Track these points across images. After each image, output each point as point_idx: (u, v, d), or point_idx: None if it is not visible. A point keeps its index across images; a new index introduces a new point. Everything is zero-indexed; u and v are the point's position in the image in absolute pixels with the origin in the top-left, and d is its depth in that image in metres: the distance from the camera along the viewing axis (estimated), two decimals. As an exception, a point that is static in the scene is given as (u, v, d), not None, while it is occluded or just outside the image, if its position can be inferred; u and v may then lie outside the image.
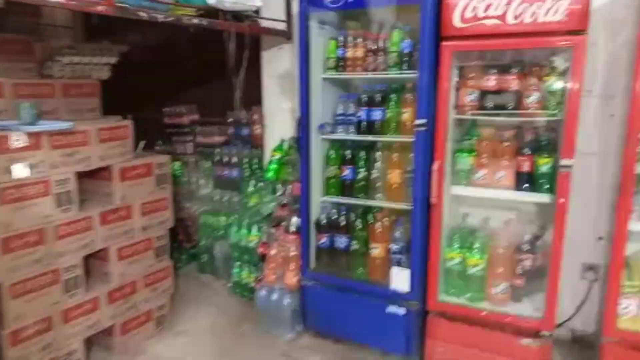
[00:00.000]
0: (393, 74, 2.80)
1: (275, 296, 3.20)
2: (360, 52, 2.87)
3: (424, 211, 2.74)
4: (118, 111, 3.28)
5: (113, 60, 3.13)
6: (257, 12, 3.40)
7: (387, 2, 2.66)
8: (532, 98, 2.53)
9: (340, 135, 3.07)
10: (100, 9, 2.33)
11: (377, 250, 2.97)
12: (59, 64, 2.89)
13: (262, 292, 3.25)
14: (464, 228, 2.93)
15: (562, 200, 2.43)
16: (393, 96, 2.89)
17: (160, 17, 2.62)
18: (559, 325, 3.02)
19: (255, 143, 4.15)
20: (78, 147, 2.66)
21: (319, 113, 3.07)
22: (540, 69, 2.53)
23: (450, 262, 2.80)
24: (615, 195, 2.47)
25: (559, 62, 2.51)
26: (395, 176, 2.93)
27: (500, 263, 2.71)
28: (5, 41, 2.82)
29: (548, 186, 2.56)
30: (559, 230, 2.47)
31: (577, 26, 2.25)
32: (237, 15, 3.13)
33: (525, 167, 2.62)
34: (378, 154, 3.00)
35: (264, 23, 3.49)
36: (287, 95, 3.80)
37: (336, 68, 2.97)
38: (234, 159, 4.13)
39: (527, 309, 2.69)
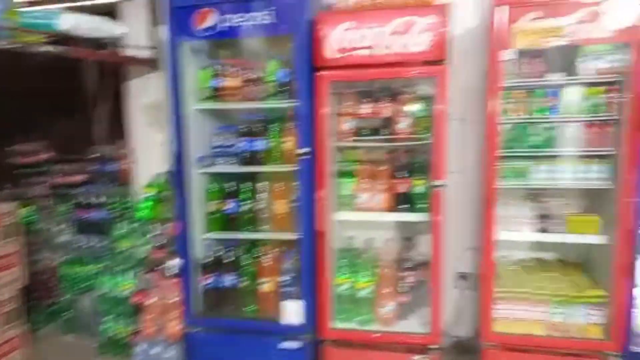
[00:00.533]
0: (272, 104, 2.77)
1: (156, 350, 2.89)
2: (237, 82, 2.80)
3: (312, 240, 2.71)
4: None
5: None
6: (121, 39, 3.14)
7: (260, 33, 2.62)
8: (403, 124, 2.69)
9: (220, 167, 2.93)
10: None
11: (267, 285, 2.85)
12: None
13: (141, 347, 2.91)
14: (351, 251, 2.97)
15: (437, 218, 2.59)
16: (274, 125, 2.85)
17: (2, 44, 2.26)
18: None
19: (123, 180, 3.77)
20: None
21: (196, 145, 2.90)
22: (409, 96, 2.71)
23: (340, 287, 2.80)
24: (481, 209, 2.72)
25: (425, 89, 2.71)
26: (281, 206, 2.87)
27: (386, 283, 2.78)
28: None
29: (423, 206, 2.72)
30: (437, 246, 2.63)
31: (438, 56, 2.47)
32: (98, 43, 2.84)
33: (402, 188, 2.76)
34: (262, 184, 2.92)
35: (129, 51, 3.22)
36: (158, 127, 3.54)
37: (211, 98, 2.84)
38: (100, 199, 3.70)
39: (415, 325, 2.80)
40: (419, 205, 2.74)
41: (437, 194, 2.57)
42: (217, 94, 2.83)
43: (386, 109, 2.70)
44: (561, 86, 2.55)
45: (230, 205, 2.94)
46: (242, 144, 2.88)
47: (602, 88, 2.48)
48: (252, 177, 2.96)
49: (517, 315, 2.66)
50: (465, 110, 3.10)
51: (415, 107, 2.69)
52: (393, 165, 2.81)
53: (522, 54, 2.56)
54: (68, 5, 2.79)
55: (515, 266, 2.93)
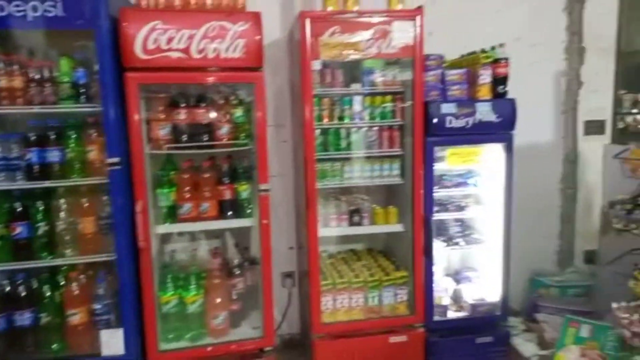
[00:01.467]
0: (67, 108, 2.39)
1: None
2: (18, 82, 2.32)
3: (131, 259, 2.45)
4: None
5: None
6: None
7: (49, 26, 2.23)
8: (224, 130, 2.63)
9: (1, 184, 2.40)
10: None
11: (77, 317, 2.47)
12: None
13: None
14: (175, 265, 2.79)
15: (264, 221, 2.62)
16: (72, 133, 2.47)
17: None
18: (272, 335, 3.27)
19: None
20: None
21: (-36, 159, 2.32)
22: (228, 102, 2.66)
23: (166, 306, 2.61)
24: (300, 209, 2.85)
25: (243, 95, 2.71)
26: (88, 225, 2.50)
27: (216, 293, 2.70)
28: None
29: (249, 211, 2.71)
30: (266, 249, 2.66)
31: (254, 63, 2.48)
32: None
33: (227, 195, 2.70)
34: (61, 201, 2.50)
35: None
36: None
37: (-15, 101, 2.31)
38: None
39: (247, 331, 2.79)
40: (245, 211, 2.72)
41: (263, 198, 2.60)
42: (-7, 96, 2.31)
43: (205, 114, 2.61)
44: (361, 95, 2.84)
45: (19, 230, 2.44)
46: (30, 156, 2.41)
47: (390, 97, 2.86)
48: (47, 194, 2.51)
49: (341, 304, 2.88)
50: (277, 116, 3.22)
51: (235, 114, 2.66)
52: (216, 172, 2.73)
53: (328, 65, 2.77)
54: None
55: (333, 259, 3.18)
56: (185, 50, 2.38)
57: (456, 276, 3.27)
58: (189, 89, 2.65)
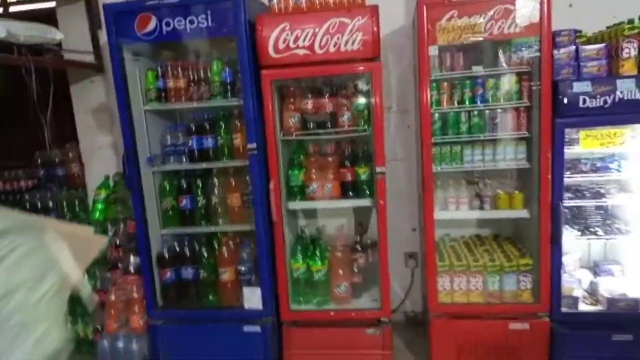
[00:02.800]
0: (218, 103, 2.87)
1: (120, 344, 2.97)
2: (181, 83, 2.88)
3: (267, 230, 2.86)
4: None
5: None
6: (60, 44, 3.13)
7: (203, 35, 2.71)
8: (345, 117, 2.86)
9: (172, 166, 3.02)
10: None
11: (226, 275, 2.99)
12: None
13: (105, 343, 2.98)
14: (304, 238, 3.15)
15: (381, 202, 2.79)
16: (222, 123, 2.96)
17: None
18: (394, 310, 3.44)
19: (73, 183, 3.77)
20: None
21: (146, 146, 2.98)
22: (348, 91, 2.88)
23: (296, 272, 2.98)
24: (421, 192, 2.94)
25: (362, 85, 2.90)
26: (235, 200, 3.00)
27: (339, 265, 2.98)
28: None
29: (368, 192, 2.92)
30: (383, 228, 2.84)
31: (371, 54, 2.64)
32: (37, 49, 2.83)
33: (348, 177, 2.95)
34: (215, 180, 3.03)
35: (69, 55, 3.22)
36: (106, 129, 3.57)
37: (158, 99, 2.91)
38: (50, 203, 3.69)
39: (367, 302, 3.02)
40: (364, 192, 2.93)
41: (379, 180, 2.77)
42: (163, 94, 2.90)
43: (328, 103, 2.86)
44: (484, 77, 2.78)
45: (184, 202, 3.03)
46: (192, 142, 2.97)
47: (515, 78, 2.74)
48: (205, 174, 3.06)
49: (459, 286, 2.92)
50: (401, 102, 3.32)
51: (355, 102, 2.87)
52: (338, 156, 2.99)
53: (447, 49, 2.77)
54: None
55: (455, 242, 3.20)
56: (310, 47, 2.65)
57: (595, 268, 3.02)
58: (315, 81, 2.93)
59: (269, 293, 2.90)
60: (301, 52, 2.65)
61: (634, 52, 2.49)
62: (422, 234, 3.28)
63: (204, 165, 2.98)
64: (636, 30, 2.47)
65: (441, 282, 2.92)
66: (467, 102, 2.82)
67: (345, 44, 2.62)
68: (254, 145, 2.75)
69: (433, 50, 2.67)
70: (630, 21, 2.53)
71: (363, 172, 2.91)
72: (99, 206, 3.50)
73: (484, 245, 3.10)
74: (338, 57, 2.64)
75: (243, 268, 2.94)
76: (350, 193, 2.96)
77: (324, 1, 2.68)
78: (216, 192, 3.03)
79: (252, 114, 2.73)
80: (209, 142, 2.97)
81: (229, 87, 2.85)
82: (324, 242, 3.10)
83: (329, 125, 2.88)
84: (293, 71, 2.71)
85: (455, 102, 2.83)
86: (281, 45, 2.65)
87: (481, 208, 2.94)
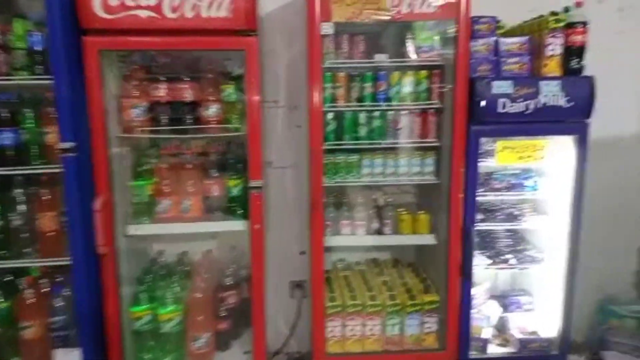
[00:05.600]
0: (22, 81, 1.96)
1: None
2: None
3: (89, 264, 2.01)
4: None
5: None
6: None
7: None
8: (212, 110, 2.13)
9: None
10: None
11: (31, 330, 2.07)
12: None
13: None
14: (155, 272, 2.34)
15: (257, 226, 2.10)
16: (28, 111, 2.04)
17: None
18: (277, 353, 2.79)
19: None
20: None
21: None
22: (217, 75, 2.15)
23: (138, 322, 2.16)
24: (309, 210, 2.31)
25: (235, 68, 2.19)
26: (47, 222, 2.09)
27: (199, 309, 2.23)
28: None
29: (242, 211, 2.21)
30: (258, 258, 2.15)
31: (245, 25, 1.94)
32: None
33: (215, 191, 2.21)
34: (18, 191, 2.10)
35: None
36: None
37: None
38: None
39: (237, 354, 2.30)
40: (236, 211, 2.22)
41: (255, 197, 2.08)
42: None
43: (188, 91, 2.11)
44: (388, 69, 2.23)
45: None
46: (-18, 137, 2.02)
47: (425, 72, 2.23)
48: (4, 183, 2.11)
49: (352, 332, 2.33)
50: (290, 96, 2.67)
51: (225, 91, 2.14)
52: (202, 163, 2.24)
53: (344, 31, 2.18)
54: None
55: (349, 271, 2.62)
56: (156, 9, 1.87)
57: (503, 300, 2.62)
58: (171, 59, 2.16)
59: (94, 355, 2.05)
60: (143, 13, 1.87)
61: (559, 50, 2.09)
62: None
63: (0, 170, 2.04)
64: (562, 24, 2.07)
65: (331, 326, 2.31)
66: (367, 100, 2.24)
67: (208, 8, 1.88)
68: (70, 144, 1.89)
69: (327, 28, 2.05)
70: (554, 13, 2.12)
71: (234, 186, 2.19)
72: None
73: (382, 275, 2.56)
74: (197, 26, 1.90)
75: (56, 321, 2.05)
76: (217, 213, 2.22)
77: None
78: (21, 209, 2.10)
79: (68, 98, 1.88)
80: (9, 137, 2.03)
81: (39, 58, 1.96)
82: (184, 274, 2.33)
83: (190, 121, 2.11)
84: (130, 41, 1.91)
85: (354, 100, 2.25)
86: (113, 1, 1.84)
87: (380, 232, 2.38)
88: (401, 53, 2.25)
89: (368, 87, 2.23)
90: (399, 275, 2.56)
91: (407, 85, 2.25)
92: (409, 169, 2.30)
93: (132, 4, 1.85)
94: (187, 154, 2.25)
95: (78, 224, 1.96)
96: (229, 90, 2.13)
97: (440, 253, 2.32)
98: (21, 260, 2.08)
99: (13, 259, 2.08)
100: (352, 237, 2.35)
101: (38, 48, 1.96)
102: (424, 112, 2.27)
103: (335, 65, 2.19)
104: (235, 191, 2.21)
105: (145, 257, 2.47)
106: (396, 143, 2.28)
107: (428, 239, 2.35)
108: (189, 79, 2.12)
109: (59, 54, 1.83)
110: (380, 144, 2.26)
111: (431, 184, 2.32)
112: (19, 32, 1.97)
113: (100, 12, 1.84)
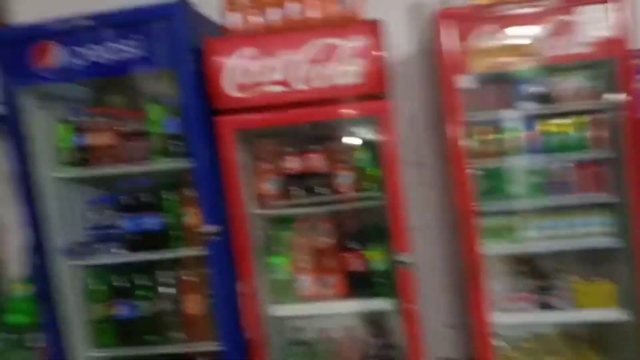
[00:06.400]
0: (162, 165, 2.00)
1: None
2: (106, 138, 2.02)
3: (238, 349, 1.91)
4: None
5: None
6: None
7: (127, 70, 1.84)
8: (344, 178, 1.98)
9: (100, 258, 2.10)
10: None
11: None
12: None
13: None
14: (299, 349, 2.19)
15: (409, 305, 1.85)
16: (168, 194, 2.07)
17: None
18: None
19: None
20: None
21: (61, 227, 2.07)
22: (344, 142, 2.02)
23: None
24: (464, 282, 2.01)
25: (362, 132, 2.04)
26: (194, 305, 2.06)
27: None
28: None
29: (386, 288, 1.97)
30: (414, 340, 1.87)
31: (375, 88, 1.78)
32: None
33: (355, 265, 2.02)
34: (164, 275, 2.11)
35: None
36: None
37: (77, 162, 2.05)
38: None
39: None
40: (381, 287, 1.99)
41: (404, 274, 1.85)
42: (84, 155, 2.04)
43: (319, 160, 2.00)
44: (535, 118, 1.94)
45: (122, 308, 2.11)
46: (127, 223, 2.08)
47: (585, 117, 1.89)
48: (150, 266, 2.14)
49: None
50: (417, 152, 2.44)
51: (357, 156, 2.00)
52: (339, 235, 2.08)
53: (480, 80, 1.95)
54: None
55: (516, 350, 2.21)
56: (286, 82, 1.80)
57: None
58: (296, 130, 2.07)
59: None
60: (274, 88, 1.81)
61: None
62: (463, 333, 2.33)
63: (146, 255, 2.06)
64: None
65: None
66: (514, 153, 1.95)
67: (337, 76, 1.77)
68: (215, 228, 1.85)
69: (467, 81, 1.83)
70: None
71: (376, 258, 1.99)
72: (21, 306, 2.56)
73: (553, 355, 2.12)
74: (328, 95, 1.79)
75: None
76: (361, 289, 2.02)
77: (303, 17, 1.87)
78: (168, 293, 2.10)
79: (207, 180, 1.86)
80: (151, 222, 2.07)
81: (174, 142, 1.99)
82: (323, 353, 2.14)
83: (323, 191, 1.99)
84: (264, 117, 1.85)
85: (497, 154, 1.97)
86: (243, 79, 1.82)
87: (550, 306, 1.99)
88: (549, 99, 1.95)
89: (515, 139, 1.94)
90: (573, 354, 2.11)
91: (561, 133, 1.92)
92: (579, 229, 1.92)
93: (264, 80, 1.81)
94: (323, 226, 2.11)
95: (225, 306, 1.88)
96: (361, 156, 1.97)
97: (633, 334, 1.86)
98: (173, 346, 2.05)
99: (160, 344, 2.07)
100: (517, 313, 1.98)
101: (173, 132, 2.00)
102: (588, 163, 1.92)
103: (475, 119, 1.94)
104: (377, 264, 2.00)
105: (283, 333, 2.33)
106: (558, 201, 1.93)
107: (613, 314, 1.90)
108: (319, 148, 2.02)
109: (198, 137, 1.83)
110: (543, 203, 1.93)
111: (610, 247, 1.91)
112: (154, 118, 2.04)
113: (232, 92, 1.82)
